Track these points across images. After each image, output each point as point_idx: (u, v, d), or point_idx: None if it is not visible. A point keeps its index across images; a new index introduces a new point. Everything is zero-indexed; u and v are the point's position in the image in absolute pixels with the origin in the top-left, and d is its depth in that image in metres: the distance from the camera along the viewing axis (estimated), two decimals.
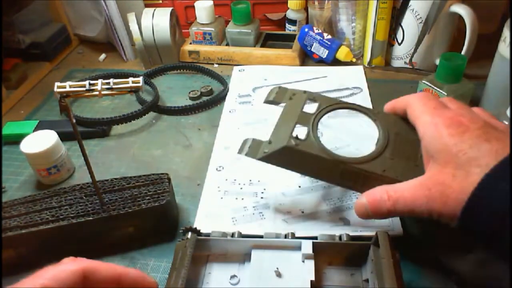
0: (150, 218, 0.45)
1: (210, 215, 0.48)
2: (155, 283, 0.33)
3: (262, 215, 0.48)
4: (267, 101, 0.49)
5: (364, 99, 0.66)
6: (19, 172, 0.57)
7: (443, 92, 0.57)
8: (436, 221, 0.35)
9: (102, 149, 0.60)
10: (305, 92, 0.47)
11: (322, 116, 0.44)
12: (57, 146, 0.53)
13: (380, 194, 0.37)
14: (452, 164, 0.33)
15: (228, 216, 0.48)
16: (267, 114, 0.64)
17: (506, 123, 0.49)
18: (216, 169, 0.54)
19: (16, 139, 0.57)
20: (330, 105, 0.45)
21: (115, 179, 0.47)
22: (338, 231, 0.44)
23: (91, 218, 0.43)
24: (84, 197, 0.46)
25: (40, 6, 0.80)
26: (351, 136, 0.52)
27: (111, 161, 0.58)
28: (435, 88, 0.58)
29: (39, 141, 0.52)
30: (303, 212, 0.48)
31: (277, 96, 0.48)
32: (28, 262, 0.43)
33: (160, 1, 0.83)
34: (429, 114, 0.37)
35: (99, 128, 0.62)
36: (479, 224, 0.31)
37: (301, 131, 0.43)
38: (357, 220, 0.46)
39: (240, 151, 0.44)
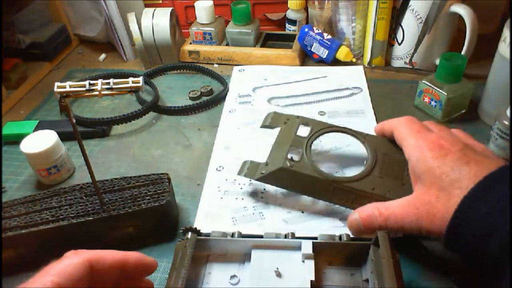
0: (150, 218, 0.45)
1: (210, 215, 0.48)
2: (155, 261, 0.34)
3: (262, 215, 0.48)
4: (263, 126, 0.53)
5: (364, 99, 0.66)
6: (19, 172, 0.57)
7: (443, 92, 0.57)
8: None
9: (102, 149, 0.60)
10: (298, 117, 0.51)
11: (314, 139, 0.48)
12: (57, 146, 0.53)
13: (372, 210, 0.40)
14: (436, 185, 0.36)
15: (228, 216, 0.48)
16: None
17: (506, 123, 0.49)
18: (216, 169, 0.54)
19: (16, 139, 0.57)
20: (322, 128, 0.49)
21: (115, 179, 0.47)
22: (338, 231, 0.44)
23: (91, 218, 0.43)
24: (84, 197, 0.46)
25: (40, 6, 0.80)
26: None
27: (111, 161, 0.58)
28: (435, 88, 0.58)
29: (39, 141, 0.52)
30: (303, 212, 0.48)
31: (273, 121, 0.52)
32: (28, 262, 0.43)
33: (160, 1, 0.83)
34: (414, 137, 0.40)
35: (99, 128, 0.62)
36: (461, 245, 0.34)
37: (295, 153, 0.47)
38: None
39: (239, 173, 0.48)
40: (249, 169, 0.48)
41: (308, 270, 0.36)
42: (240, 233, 0.40)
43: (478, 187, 0.33)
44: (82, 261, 0.29)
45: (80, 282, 0.29)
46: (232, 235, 0.39)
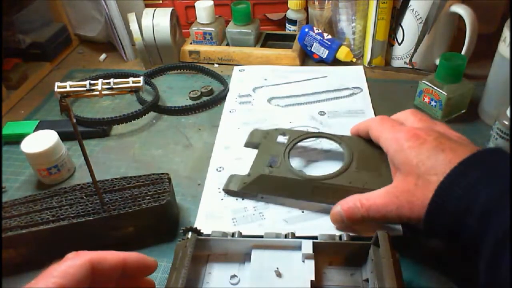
0: (150, 218, 0.45)
1: (210, 216, 0.48)
2: (155, 261, 0.34)
3: (262, 215, 0.48)
4: (246, 145, 0.57)
5: (364, 99, 0.66)
6: (20, 172, 0.57)
7: (443, 92, 0.57)
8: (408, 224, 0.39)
9: (103, 149, 0.60)
10: (276, 129, 0.55)
11: (292, 147, 0.51)
12: (58, 146, 0.53)
13: (353, 202, 0.41)
14: (413, 174, 0.37)
15: (229, 217, 0.48)
16: (267, 114, 0.64)
17: (507, 123, 0.49)
18: (217, 169, 0.54)
19: (17, 139, 0.57)
20: (298, 136, 0.52)
21: (116, 179, 0.47)
22: (338, 231, 0.44)
23: (91, 218, 0.43)
24: (85, 197, 0.46)
25: (40, 6, 0.80)
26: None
27: (112, 161, 0.58)
28: (435, 88, 0.58)
29: (40, 141, 0.52)
30: (303, 211, 0.48)
31: (254, 137, 0.56)
32: (28, 262, 0.43)
33: (161, 1, 0.83)
34: (390, 131, 0.42)
35: (100, 128, 0.62)
36: (439, 226, 0.35)
37: (275, 162, 0.49)
38: None
39: (225, 187, 0.51)
40: (233, 182, 0.50)
41: (308, 270, 0.36)
42: (240, 233, 0.40)
43: (453, 172, 0.35)
44: (83, 262, 0.29)
45: (82, 283, 0.29)
46: (233, 235, 0.39)
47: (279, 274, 0.36)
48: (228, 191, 0.50)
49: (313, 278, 0.35)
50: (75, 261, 0.29)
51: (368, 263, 0.37)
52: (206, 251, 0.39)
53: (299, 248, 0.38)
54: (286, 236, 0.39)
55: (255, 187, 0.48)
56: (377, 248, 0.36)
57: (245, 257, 0.39)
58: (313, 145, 0.56)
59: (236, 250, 0.39)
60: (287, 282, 0.36)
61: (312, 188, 0.46)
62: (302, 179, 0.47)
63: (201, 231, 0.39)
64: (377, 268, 0.34)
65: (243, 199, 0.50)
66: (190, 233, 0.38)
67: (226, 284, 0.37)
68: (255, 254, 0.38)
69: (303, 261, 0.37)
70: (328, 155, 0.55)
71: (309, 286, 0.35)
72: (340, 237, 0.39)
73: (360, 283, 0.37)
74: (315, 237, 0.39)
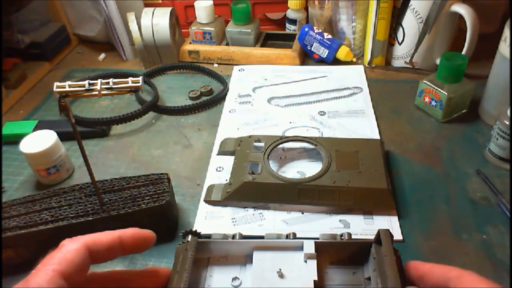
0: (149, 218, 0.45)
1: (210, 216, 0.48)
2: (152, 233, 0.34)
3: (262, 215, 0.47)
4: (220, 153, 0.56)
5: (364, 99, 0.66)
6: (19, 172, 0.56)
7: (444, 92, 0.57)
8: None
9: (102, 149, 0.60)
10: (250, 136, 0.55)
11: (270, 152, 0.52)
12: (57, 146, 0.52)
13: None
14: None
15: (228, 217, 0.48)
16: (267, 114, 0.64)
17: (507, 122, 0.49)
18: (216, 169, 0.54)
19: (16, 139, 0.57)
20: (275, 141, 0.53)
21: (115, 179, 0.47)
22: (337, 232, 0.43)
23: (90, 218, 0.43)
24: (84, 197, 0.45)
25: (39, 6, 0.80)
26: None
27: (111, 161, 0.57)
28: (435, 88, 0.58)
29: (39, 141, 0.52)
30: (303, 213, 0.48)
31: (227, 146, 0.56)
32: (27, 262, 0.43)
33: (160, 1, 0.83)
34: None
35: (99, 128, 0.61)
36: None
37: (255, 168, 0.49)
38: (357, 223, 0.46)
39: (206, 198, 0.50)
40: (215, 192, 0.50)
41: (310, 270, 0.35)
42: (241, 234, 0.40)
43: None
44: (79, 246, 0.29)
45: (81, 267, 0.29)
46: (233, 237, 0.39)
47: (281, 275, 0.36)
48: (210, 202, 0.50)
49: (316, 278, 0.35)
50: (71, 246, 0.29)
51: (370, 261, 0.37)
52: (206, 253, 0.39)
53: (300, 248, 0.37)
54: (287, 236, 0.39)
55: (239, 195, 0.48)
56: (378, 246, 0.36)
57: (246, 259, 0.39)
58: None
59: (237, 252, 0.39)
60: (289, 283, 0.35)
61: (298, 191, 0.47)
62: (286, 183, 0.47)
63: (201, 231, 0.39)
64: (379, 266, 0.34)
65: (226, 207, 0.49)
66: (190, 236, 0.38)
67: (228, 287, 0.37)
68: (256, 255, 0.38)
69: (305, 261, 0.37)
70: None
71: (312, 286, 0.34)
72: (342, 236, 0.38)
73: (362, 281, 0.37)
74: (316, 238, 0.39)
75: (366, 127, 0.60)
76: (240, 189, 0.48)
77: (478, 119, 0.61)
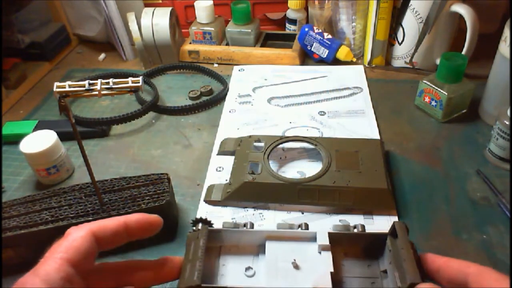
0: None
1: (210, 216, 0.48)
2: (157, 216, 0.34)
3: (262, 215, 0.47)
4: (220, 153, 0.56)
5: (364, 99, 0.66)
6: (19, 172, 0.56)
7: (444, 92, 0.57)
8: None
9: (102, 149, 0.60)
10: (250, 136, 0.55)
11: (270, 152, 0.52)
12: (57, 146, 0.52)
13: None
14: None
15: (228, 217, 0.48)
16: (267, 114, 0.64)
17: (507, 122, 0.49)
18: (216, 169, 0.54)
19: (16, 139, 0.57)
20: (275, 141, 0.53)
21: (115, 179, 0.47)
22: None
23: (90, 219, 0.43)
24: (84, 197, 0.45)
25: (39, 6, 0.80)
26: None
27: (111, 161, 0.57)
28: (435, 88, 0.58)
29: (39, 141, 0.52)
30: (303, 213, 0.48)
31: (227, 146, 0.56)
32: (27, 262, 0.43)
33: (160, 1, 0.83)
34: None
35: (99, 128, 0.61)
36: None
37: (255, 168, 0.49)
38: (357, 223, 0.46)
39: (206, 198, 0.50)
40: (215, 192, 0.50)
41: (326, 262, 0.35)
42: (252, 224, 0.39)
43: None
44: (85, 233, 0.29)
45: (88, 254, 0.29)
46: (245, 225, 0.38)
47: (296, 266, 0.35)
48: (210, 202, 0.50)
49: (332, 270, 0.34)
50: (77, 234, 0.29)
51: (386, 254, 0.36)
52: (218, 242, 0.38)
53: (313, 239, 0.37)
54: (299, 226, 0.38)
55: (239, 195, 0.48)
56: (394, 239, 0.35)
57: (258, 249, 0.38)
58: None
59: (249, 242, 0.38)
60: (305, 274, 0.35)
61: (298, 191, 0.47)
62: (286, 183, 0.47)
63: (211, 221, 0.38)
64: (395, 259, 0.34)
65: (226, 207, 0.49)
66: (200, 224, 0.37)
67: (242, 276, 0.36)
68: (269, 245, 0.37)
69: (320, 253, 0.36)
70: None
71: (329, 278, 0.34)
72: (355, 227, 0.38)
73: (378, 274, 0.36)
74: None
75: (366, 127, 0.60)
76: (240, 189, 0.48)
77: (478, 119, 0.61)
